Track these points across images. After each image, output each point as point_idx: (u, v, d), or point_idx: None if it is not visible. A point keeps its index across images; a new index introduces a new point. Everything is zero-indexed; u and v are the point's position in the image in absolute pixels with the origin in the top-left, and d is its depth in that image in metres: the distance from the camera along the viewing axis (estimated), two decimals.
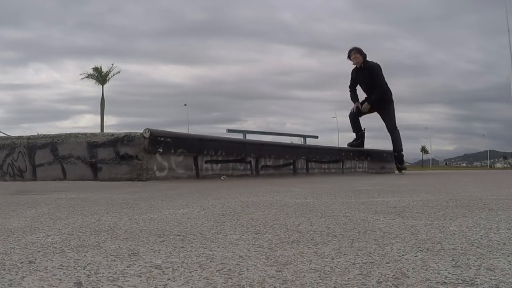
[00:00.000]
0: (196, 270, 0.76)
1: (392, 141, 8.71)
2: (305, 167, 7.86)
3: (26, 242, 1.03)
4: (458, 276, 0.72)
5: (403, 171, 8.93)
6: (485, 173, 10.77)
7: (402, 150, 8.90)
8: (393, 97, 8.71)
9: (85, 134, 5.20)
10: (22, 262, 0.82)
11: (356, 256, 0.86)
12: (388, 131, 8.63)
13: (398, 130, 8.68)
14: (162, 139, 4.94)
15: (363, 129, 9.06)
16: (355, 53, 8.26)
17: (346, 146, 9.69)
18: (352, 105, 8.80)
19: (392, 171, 10.98)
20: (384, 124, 8.77)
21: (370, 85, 8.34)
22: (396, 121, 8.83)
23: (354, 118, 8.84)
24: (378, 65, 8.46)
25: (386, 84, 8.62)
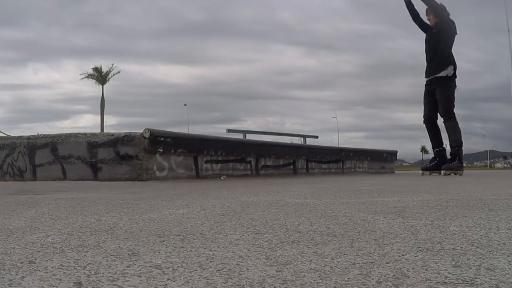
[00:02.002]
0: (196, 270, 0.76)
1: (447, 131, 6.74)
2: (305, 167, 7.87)
3: (26, 242, 1.03)
4: (458, 276, 0.72)
5: (460, 172, 6.66)
6: (485, 173, 10.78)
7: (462, 144, 6.76)
8: (456, 73, 6.78)
9: (85, 134, 5.21)
10: (22, 262, 0.82)
11: (356, 256, 0.86)
12: (443, 116, 6.69)
13: (456, 119, 6.71)
14: (162, 139, 4.94)
15: (444, 145, 7.12)
16: (429, 13, 6.87)
17: (346, 146, 9.64)
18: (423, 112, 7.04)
19: (392, 171, 10.97)
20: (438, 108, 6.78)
21: (433, 51, 6.76)
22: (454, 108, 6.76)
23: (432, 122, 6.92)
24: (450, 27, 6.79)
25: (451, 54, 6.79)
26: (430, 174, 6.95)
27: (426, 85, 6.97)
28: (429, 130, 7.03)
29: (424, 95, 7.01)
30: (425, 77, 6.98)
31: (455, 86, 6.77)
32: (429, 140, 7.16)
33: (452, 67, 6.70)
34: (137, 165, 4.75)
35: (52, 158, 5.22)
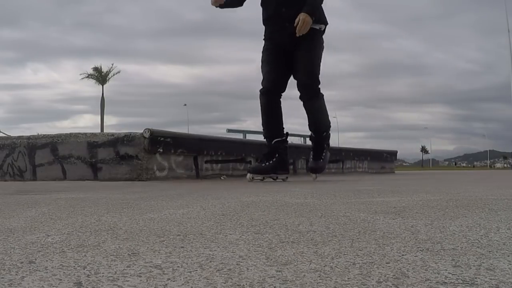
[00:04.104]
0: (196, 270, 0.76)
1: (312, 111, 4.52)
2: (305, 167, 7.86)
3: (26, 242, 1.03)
4: (458, 276, 0.72)
5: (315, 176, 4.85)
6: (485, 173, 10.78)
7: (327, 130, 4.67)
8: (325, 28, 4.43)
9: (85, 134, 5.21)
10: (22, 262, 0.82)
11: (356, 256, 0.86)
12: (302, 87, 4.40)
13: (321, 93, 4.48)
14: (162, 139, 4.94)
15: (285, 133, 4.63)
16: None
17: (346, 146, 9.63)
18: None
19: (392, 171, 10.98)
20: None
21: None
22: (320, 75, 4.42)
23: (277, 96, 4.50)
24: None
25: None
26: (263, 179, 4.55)
27: (275, 37, 4.44)
28: (268, 108, 4.49)
29: (270, 54, 4.46)
30: (274, 24, 4.41)
31: (323, 42, 4.45)
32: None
33: (324, 20, 4.43)
34: (137, 165, 4.75)
35: (52, 158, 5.22)
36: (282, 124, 4.58)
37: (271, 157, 4.52)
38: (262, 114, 4.51)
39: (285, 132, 4.62)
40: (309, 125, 4.62)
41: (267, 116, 4.52)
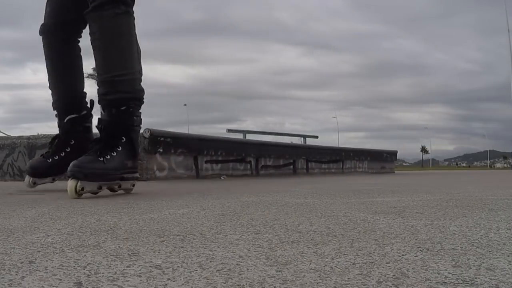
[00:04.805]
0: (196, 270, 0.76)
1: (91, 38, 2.43)
2: (305, 167, 7.87)
3: (26, 242, 1.03)
4: (458, 276, 0.72)
5: (129, 186, 2.51)
6: (485, 173, 10.79)
7: (135, 99, 2.33)
8: None
9: None
10: (22, 262, 0.82)
11: (356, 256, 0.86)
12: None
13: (129, 11, 2.40)
14: (162, 139, 4.94)
15: (88, 103, 2.70)
16: None
17: (346, 146, 9.62)
18: None
19: (392, 171, 10.98)
20: None
21: None
22: None
23: (52, 39, 2.77)
24: None
25: None
26: (54, 181, 2.95)
27: None
28: (49, 57, 2.81)
29: None
30: None
31: None
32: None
33: None
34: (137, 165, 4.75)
35: None
36: (80, 85, 2.69)
37: (62, 147, 2.74)
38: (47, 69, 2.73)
39: (89, 102, 2.69)
40: (99, 70, 2.38)
41: (49, 73, 2.75)
